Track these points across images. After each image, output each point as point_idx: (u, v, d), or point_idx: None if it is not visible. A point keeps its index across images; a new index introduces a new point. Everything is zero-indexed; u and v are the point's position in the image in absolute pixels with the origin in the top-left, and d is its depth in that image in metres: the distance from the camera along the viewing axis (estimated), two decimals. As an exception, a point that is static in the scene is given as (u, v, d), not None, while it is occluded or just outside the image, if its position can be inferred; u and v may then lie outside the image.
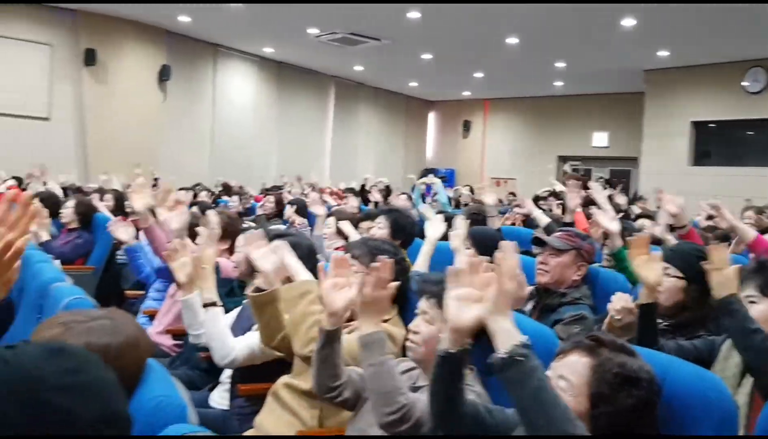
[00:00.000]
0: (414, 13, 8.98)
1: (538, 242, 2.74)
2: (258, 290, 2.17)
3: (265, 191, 8.40)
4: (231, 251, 3.56)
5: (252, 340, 2.38)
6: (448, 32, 9.93)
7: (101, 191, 6.94)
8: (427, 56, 11.72)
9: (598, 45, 10.03)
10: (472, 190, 11.49)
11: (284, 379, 2.20)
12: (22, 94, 9.60)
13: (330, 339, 1.75)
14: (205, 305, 2.43)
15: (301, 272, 2.22)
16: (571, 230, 2.85)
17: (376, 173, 13.74)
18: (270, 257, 2.20)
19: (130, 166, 9.20)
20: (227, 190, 8.94)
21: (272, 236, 2.81)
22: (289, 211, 5.91)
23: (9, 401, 0.81)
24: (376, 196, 7.37)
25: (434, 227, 3.21)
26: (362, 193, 8.81)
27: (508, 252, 1.34)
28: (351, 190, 8.95)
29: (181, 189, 8.55)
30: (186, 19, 10.06)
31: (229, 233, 3.56)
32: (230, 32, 10.96)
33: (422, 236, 3.35)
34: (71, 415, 0.83)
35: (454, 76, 13.64)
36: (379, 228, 3.62)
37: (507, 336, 1.29)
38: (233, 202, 7.65)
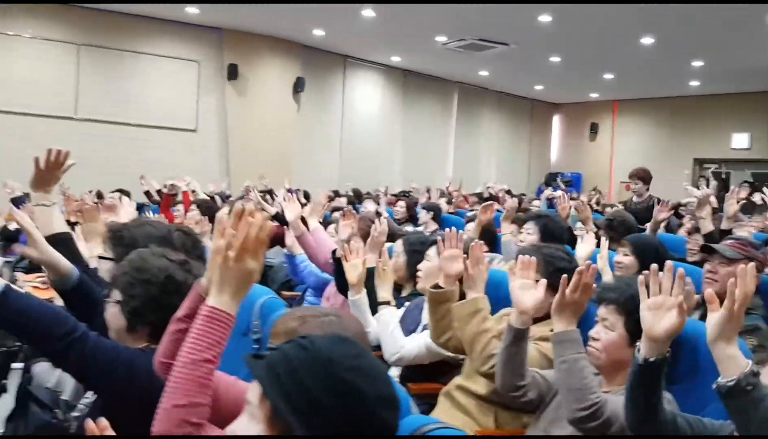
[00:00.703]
0: (545, 17, 8.90)
1: (708, 249, 2.68)
2: (436, 286, 2.28)
3: (395, 197, 8.62)
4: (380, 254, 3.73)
5: (421, 339, 2.51)
6: (578, 34, 9.76)
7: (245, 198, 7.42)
8: (555, 59, 11.55)
9: (740, 42, 9.48)
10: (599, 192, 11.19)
11: (457, 380, 2.30)
12: (172, 108, 10.41)
13: (518, 337, 1.84)
14: (380, 304, 2.59)
15: (478, 285, 2.22)
16: (743, 239, 2.76)
17: (498, 179, 13.67)
18: (457, 261, 2.27)
19: (267, 173, 9.76)
20: (358, 196, 9.22)
21: (429, 242, 2.94)
22: (425, 216, 6.05)
23: (312, 378, 1.00)
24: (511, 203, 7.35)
25: (584, 246, 3.23)
26: (488, 200, 8.80)
27: (746, 277, 1.31)
28: (478, 196, 8.99)
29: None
30: (320, 32, 10.52)
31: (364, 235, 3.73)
32: (360, 43, 11.32)
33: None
34: (361, 392, 1.00)
35: (582, 78, 13.34)
36: (528, 234, 3.64)
37: (733, 364, 1.29)
38: (365, 208, 7.84)
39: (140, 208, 5.65)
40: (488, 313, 2.14)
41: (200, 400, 1.27)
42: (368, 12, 9.11)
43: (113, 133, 9.88)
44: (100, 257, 2.37)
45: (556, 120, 17.34)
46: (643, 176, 5.96)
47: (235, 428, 1.09)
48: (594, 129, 16.25)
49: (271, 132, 10.92)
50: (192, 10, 9.57)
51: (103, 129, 9.81)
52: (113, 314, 1.77)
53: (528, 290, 1.88)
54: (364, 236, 3.32)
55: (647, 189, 5.99)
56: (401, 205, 6.78)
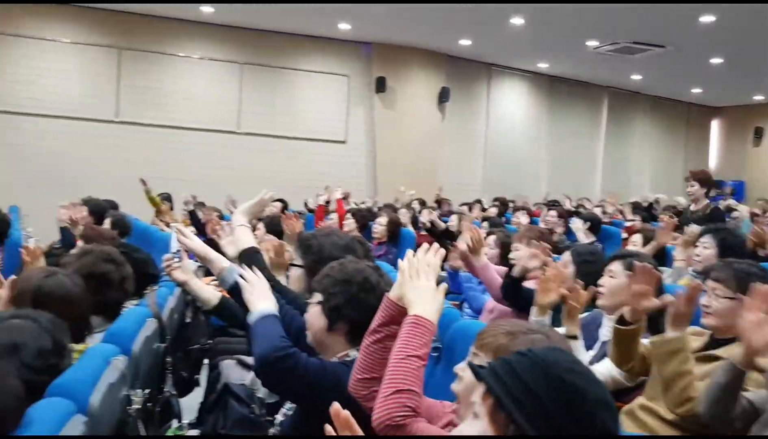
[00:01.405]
0: (708, 17, 8.38)
1: None
2: (622, 321, 2.17)
3: (547, 206, 8.46)
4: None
5: (608, 370, 2.34)
6: (744, 33, 9.08)
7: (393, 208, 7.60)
8: (716, 60, 10.82)
9: None
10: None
11: (641, 400, 2.22)
12: (324, 121, 10.89)
13: (738, 378, 1.77)
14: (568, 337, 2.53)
15: (685, 324, 2.08)
16: None
17: (652, 187, 12.99)
18: (648, 299, 2.12)
19: (412, 184, 9.93)
20: (504, 205, 9.14)
21: (604, 256, 2.85)
22: (581, 226, 5.87)
23: (535, 379, 1.04)
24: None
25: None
26: (648, 210, 8.40)
27: None
28: (635, 205, 8.60)
29: (462, 204, 9.03)
30: (466, 42, 10.56)
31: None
32: (506, 51, 11.24)
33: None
34: (582, 393, 1.03)
35: (746, 80, 12.37)
36: (705, 247, 3.45)
37: None
38: (516, 219, 7.69)
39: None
40: (690, 352, 2.02)
41: (416, 389, 1.42)
42: (517, 19, 9.04)
43: (270, 145, 10.51)
44: (291, 264, 2.54)
45: (715, 125, 16.19)
46: (701, 178, 5.10)
47: (462, 428, 1.15)
48: (759, 133, 14.98)
49: (416, 142, 11.11)
50: (344, 26, 9.97)
51: (262, 142, 10.46)
52: (314, 315, 1.91)
53: (764, 328, 1.71)
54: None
55: (706, 194, 5.12)
56: (552, 214, 6.63)
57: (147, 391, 1.97)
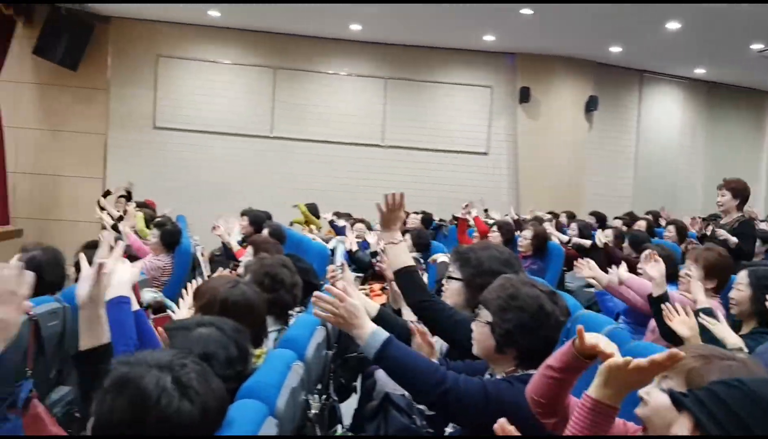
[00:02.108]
0: None
1: None
2: None
3: (704, 220, 7.92)
4: (717, 289, 3.42)
5: None
6: None
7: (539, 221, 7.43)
8: None
9: None
10: None
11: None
12: (466, 132, 10.89)
13: None
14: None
15: None
16: None
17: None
18: None
19: (557, 197, 9.67)
20: (656, 219, 8.66)
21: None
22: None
23: (748, 413, 1.00)
24: None
25: None
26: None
27: None
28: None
29: (616, 218, 8.66)
30: (617, 49, 10.16)
31: (718, 270, 3.42)
32: (660, 57, 10.67)
33: None
34: None
35: None
36: (738, 289, 3.02)
37: None
38: (669, 233, 7.27)
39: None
40: None
41: None
42: (673, 24, 8.56)
43: (413, 158, 10.67)
44: (449, 277, 2.55)
45: None
46: (734, 187, 4.64)
47: None
48: None
49: (561, 153, 10.81)
50: (489, 37, 9.94)
51: (405, 155, 10.66)
52: (483, 334, 1.91)
53: None
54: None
55: (738, 206, 4.62)
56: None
57: (324, 397, 2.07)
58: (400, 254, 2.50)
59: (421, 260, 5.21)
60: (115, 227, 6.61)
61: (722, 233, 4.49)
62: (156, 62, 9.99)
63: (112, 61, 9.88)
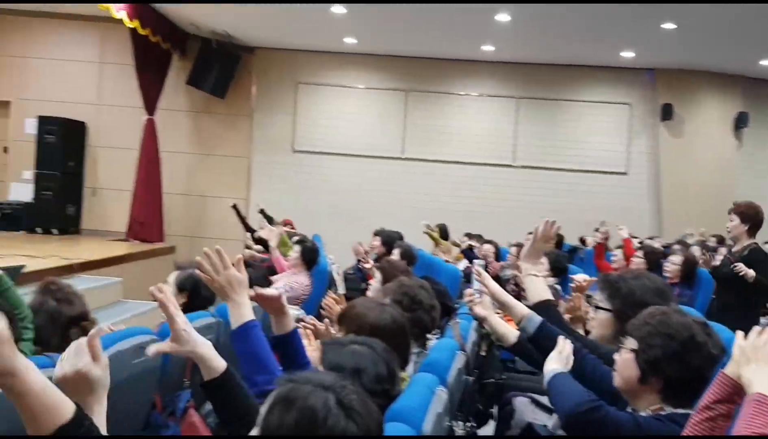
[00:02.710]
0: None
1: None
2: None
3: None
4: None
5: None
6: None
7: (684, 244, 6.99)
8: None
9: None
10: None
11: None
12: (603, 151, 10.50)
13: None
14: None
15: None
16: None
17: None
18: None
19: (704, 217, 9.06)
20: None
21: None
22: None
23: None
24: None
25: None
26: None
27: None
28: None
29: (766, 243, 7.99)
30: (767, 62, 9.44)
31: None
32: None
33: None
34: None
35: None
36: None
37: None
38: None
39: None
40: None
41: None
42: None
43: (547, 178, 10.44)
44: (597, 307, 2.46)
45: None
46: (743, 211, 4.30)
47: None
48: None
49: (708, 172, 10.15)
50: (627, 54, 9.57)
51: (538, 175, 10.45)
52: (626, 362, 1.83)
53: None
54: None
55: (749, 232, 4.30)
56: None
57: (469, 424, 2.06)
58: (539, 286, 2.46)
59: (558, 286, 5.07)
60: (258, 242, 6.99)
61: (741, 268, 4.18)
62: (296, 89, 10.50)
63: (256, 89, 10.50)
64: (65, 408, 1.13)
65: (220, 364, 1.58)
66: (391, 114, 10.57)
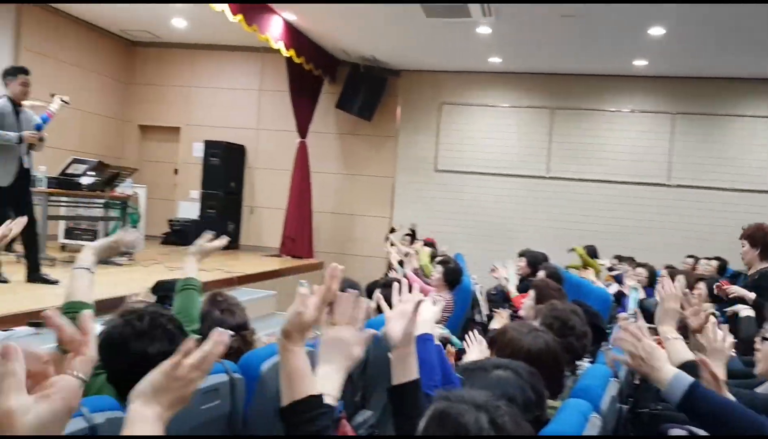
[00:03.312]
0: None
1: None
2: None
3: None
4: None
5: None
6: None
7: None
8: None
9: None
10: None
11: None
12: (762, 170, 9.68)
13: None
14: None
15: None
16: None
17: None
18: None
19: None
20: None
21: None
22: None
23: None
24: None
25: None
26: None
27: None
28: None
29: None
30: None
31: None
32: None
33: None
34: None
35: None
36: None
37: None
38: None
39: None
40: None
41: None
42: None
43: (703, 197, 9.81)
44: (764, 338, 2.30)
45: None
46: (750, 235, 4.25)
47: None
48: None
49: None
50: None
51: (694, 194, 9.83)
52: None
53: None
54: None
55: (761, 255, 4.19)
56: None
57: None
58: (680, 348, 2.28)
59: (718, 313, 4.73)
60: (401, 263, 7.12)
61: (734, 290, 4.05)
62: (439, 109, 10.65)
63: (401, 110, 10.76)
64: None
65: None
66: (536, 132, 10.41)
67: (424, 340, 1.92)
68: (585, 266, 7.85)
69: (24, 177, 5.48)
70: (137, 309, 1.89)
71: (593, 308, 3.66)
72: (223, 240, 3.16)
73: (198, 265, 2.87)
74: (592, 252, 8.22)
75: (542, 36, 8.41)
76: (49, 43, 9.28)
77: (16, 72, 5.45)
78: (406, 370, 1.72)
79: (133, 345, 1.76)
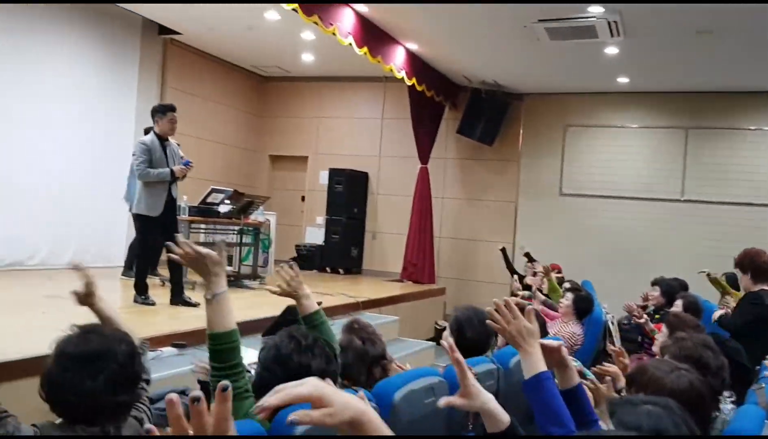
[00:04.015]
0: None
1: None
2: None
3: None
4: None
5: None
6: None
7: None
8: None
9: None
10: None
11: None
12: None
13: None
14: None
15: None
16: None
17: None
18: None
19: None
20: None
21: None
22: None
23: None
24: None
25: None
26: None
27: None
28: None
29: None
30: None
31: None
32: None
33: None
34: None
35: None
36: None
37: None
38: None
39: None
40: None
41: None
42: None
43: (718, 213, 9.40)
44: None
45: None
46: (739, 262, 4.47)
47: None
48: None
49: None
50: None
51: (706, 210, 9.47)
52: None
53: None
54: None
55: (754, 281, 4.32)
56: None
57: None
58: None
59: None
60: (528, 287, 6.99)
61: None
62: (564, 132, 10.40)
63: (524, 133, 10.61)
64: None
65: (504, 418, 1.62)
66: (668, 153, 9.92)
67: (536, 381, 1.81)
68: (725, 294, 7.32)
69: (171, 207, 5.90)
70: (301, 330, 2.05)
71: (734, 341, 3.42)
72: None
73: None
74: (733, 281, 7.65)
75: (675, 54, 8.02)
76: (190, 80, 10.01)
77: (165, 110, 5.86)
78: (494, 420, 1.63)
79: (297, 358, 1.88)
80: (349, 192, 10.78)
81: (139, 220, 5.91)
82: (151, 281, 6.39)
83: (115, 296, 6.19)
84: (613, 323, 5.92)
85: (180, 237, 2.02)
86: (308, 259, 10.42)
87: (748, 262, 4.50)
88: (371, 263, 11.14)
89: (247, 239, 8.10)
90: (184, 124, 7.01)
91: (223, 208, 7.47)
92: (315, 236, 11.10)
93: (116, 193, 7.73)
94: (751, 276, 4.47)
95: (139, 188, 5.86)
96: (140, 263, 6.01)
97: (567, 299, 5.48)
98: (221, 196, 7.53)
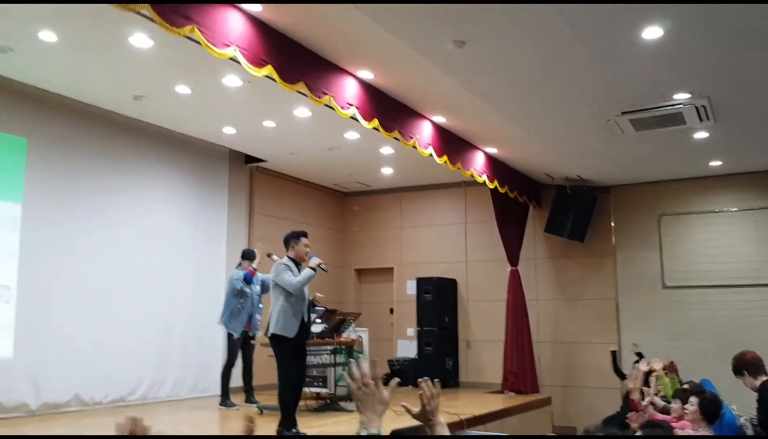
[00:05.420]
0: None
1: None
2: None
3: None
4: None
5: None
6: None
7: None
8: None
9: None
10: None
11: None
12: None
13: None
14: None
15: None
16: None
17: None
18: None
19: None
20: None
21: None
22: None
23: None
24: None
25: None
26: None
27: None
28: None
29: None
30: None
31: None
32: None
33: None
34: None
35: None
36: None
37: None
38: None
39: None
40: None
41: None
42: None
43: None
44: None
45: None
46: (734, 368, 4.70)
47: None
48: None
49: None
50: None
51: None
52: None
53: None
54: None
55: (753, 376, 4.56)
56: None
57: None
58: None
59: None
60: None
61: None
62: (658, 221, 9.95)
63: (615, 227, 10.22)
64: None
65: None
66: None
67: None
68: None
69: (305, 330, 5.95)
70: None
71: None
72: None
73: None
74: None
75: (764, 132, 7.64)
76: (275, 204, 10.28)
77: (298, 236, 6.16)
78: None
79: None
80: (438, 301, 10.53)
81: (275, 341, 5.78)
82: (245, 409, 6.24)
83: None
84: (749, 425, 5.31)
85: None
86: (402, 374, 10.09)
87: (736, 365, 4.75)
88: (467, 374, 10.68)
89: (340, 359, 7.94)
90: (273, 247, 7.11)
91: (317, 329, 7.39)
92: (407, 349, 10.81)
93: (212, 318, 7.86)
94: (749, 374, 4.66)
95: (277, 309, 5.83)
96: (284, 395, 5.69)
97: (692, 405, 4.98)
98: (313, 316, 7.48)
